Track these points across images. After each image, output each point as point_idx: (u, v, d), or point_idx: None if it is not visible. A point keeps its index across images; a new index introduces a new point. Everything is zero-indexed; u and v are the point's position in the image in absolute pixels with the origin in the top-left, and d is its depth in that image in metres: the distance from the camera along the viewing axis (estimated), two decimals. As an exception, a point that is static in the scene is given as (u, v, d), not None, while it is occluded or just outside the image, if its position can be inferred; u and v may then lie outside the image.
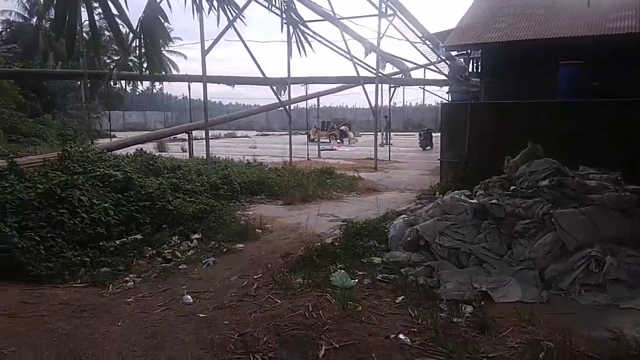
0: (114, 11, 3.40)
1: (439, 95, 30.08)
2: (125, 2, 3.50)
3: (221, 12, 6.91)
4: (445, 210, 6.17)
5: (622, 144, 8.51)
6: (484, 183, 7.01)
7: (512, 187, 6.38)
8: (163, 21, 3.93)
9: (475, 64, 17.87)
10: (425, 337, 3.77)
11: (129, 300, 4.72)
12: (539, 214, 5.49)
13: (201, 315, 4.29)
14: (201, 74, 13.69)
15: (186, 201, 8.14)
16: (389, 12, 15.44)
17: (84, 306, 4.45)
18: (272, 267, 5.57)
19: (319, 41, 16.27)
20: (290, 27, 10.32)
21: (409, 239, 5.98)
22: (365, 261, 5.71)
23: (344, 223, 7.49)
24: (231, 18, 8.42)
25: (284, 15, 10.41)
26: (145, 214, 7.23)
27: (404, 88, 30.76)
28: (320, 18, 15.40)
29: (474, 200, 6.23)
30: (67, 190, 6.56)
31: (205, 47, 13.32)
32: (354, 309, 4.23)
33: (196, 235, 7.09)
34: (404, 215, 7.25)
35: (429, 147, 27.53)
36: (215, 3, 6.66)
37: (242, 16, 11.26)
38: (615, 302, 4.53)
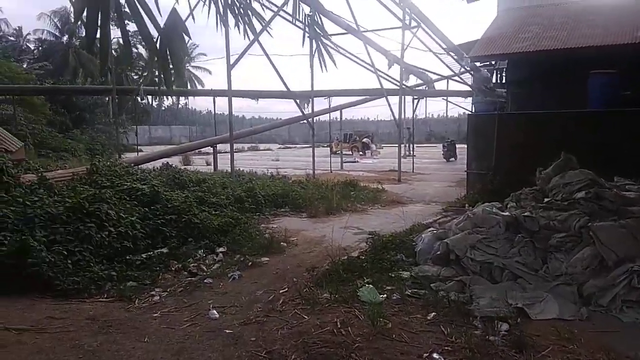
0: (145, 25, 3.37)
1: (462, 107, 29.89)
2: (159, 12, 3.48)
3: (246, 25, 6.96)
4: (476, 224, 5.98)
5: (657, 153, 8.22)
6: (515, 195, 6.82)
7: (545, 200, 6.19)
8: (188, 39, 3.89)
9: (499, 75, 17.60)
10: (460, 356, 3.61)
11: (155, 315, 4.67)
12: (576, 227, 5.28)
13: (227, 331, 4.20)
14: (225, 88, 13.80)
15: (211, 214, 8.15)
16: (413, 24, 15.33)
17: (111, 321, 4.42)
18: (298, 281, 5.48)
19: (342, 54, 16.27)
20: (314, 40, 10.35)
21: (438, 252, 5.81)
22: (393, 275, 5.55)
23: (370, 236, 7.36)
24: (256, 32, 8.44)
25: (307, 29, 10.45)
26: (171, 227, 7.23)
27: (426, 100, 30.48)
28: (344, 31, 15.39)
29: (506, 213, 6.04)
30: (95, 204, 6.61)
31: (230, 62, 13.44)
32: (383, 326, 4.09)
33: (221, 249, 7.05)
34: (431, 228, 7.09)
35: (452, 159, 27.26)
36: (239, 17, 6.71)
37: (269, 28, 11.32)
38: (661, 319, 4.30)
